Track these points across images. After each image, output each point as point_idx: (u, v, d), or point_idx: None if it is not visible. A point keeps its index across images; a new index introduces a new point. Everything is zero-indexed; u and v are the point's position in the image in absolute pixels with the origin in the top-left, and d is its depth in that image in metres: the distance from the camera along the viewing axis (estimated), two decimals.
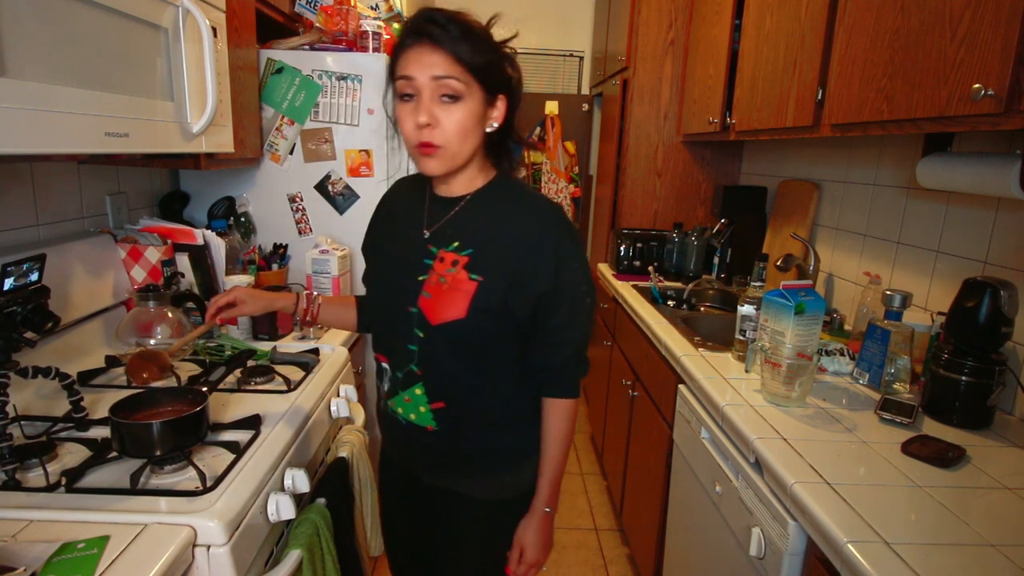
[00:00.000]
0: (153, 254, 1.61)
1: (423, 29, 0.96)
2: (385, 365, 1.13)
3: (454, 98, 0.97)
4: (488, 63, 0.98)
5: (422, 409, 1.09)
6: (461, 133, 0.98)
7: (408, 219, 1.14)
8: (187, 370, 1.42)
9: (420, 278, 1.05)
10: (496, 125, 1.05)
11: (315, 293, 1.27)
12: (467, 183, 1.08)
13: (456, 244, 1.05)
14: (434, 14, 0.96)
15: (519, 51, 1.06)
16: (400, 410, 1.12)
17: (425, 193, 1.13)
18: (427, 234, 1.08)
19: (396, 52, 1.01)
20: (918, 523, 0.96)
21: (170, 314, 1.40)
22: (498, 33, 1.02)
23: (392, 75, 1.02)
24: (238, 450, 1.08)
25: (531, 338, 1.08)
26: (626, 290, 2.47)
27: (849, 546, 0.89)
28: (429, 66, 0.95)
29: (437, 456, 1.13)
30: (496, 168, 1.11)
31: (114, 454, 1.02)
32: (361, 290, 2.08)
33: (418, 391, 1.08)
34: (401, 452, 1.20)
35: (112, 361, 1.42)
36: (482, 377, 1.08)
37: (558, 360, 1.09)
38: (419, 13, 0.98)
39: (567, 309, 1.06)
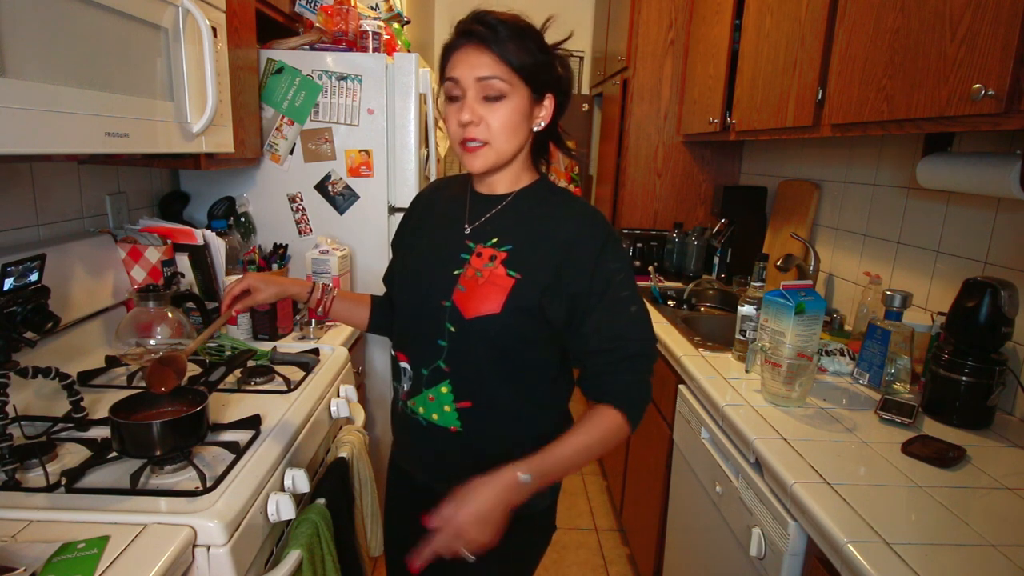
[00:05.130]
0: (153, 254, 1.61)
1: (471, 30, 0.97)
2: (405, 364, 1.09)
3: (497, 96, 0.97)
4: (535, 63, 0.98)
5: (447, 408, 1.05)
6: (507, 131, 0.99)
7: (448, 215, 1.12)
8: (187, 370, 1.42)
9: (455, 272, 1.03)
10: (544, 124, 1.05)
11: (331, 285, 1.24)
12: (511, 182, 1.08)
13: (495, 240, 1.04)
14: (485, 15, 0.97)
15: None
16: (422, 410, 1.08)
17: (467, 191, 1.13)
18: (468, 230, 1.07)
19: (445, 53, 1.01)
20: (918, 523, 0.96)
21: (170, 314, 1.40)
22: (553, 35, 1.03)
23: (442, 77, 1.03)
24: (238, 450, 1.08)
25: (585, 349, 1.02)
26: None
27: (849, 546, 0.89)
28: (473, 67, 0.96)
29: (456, 461, 1.08)
30: (538, 171, 1.11)
31: (114, 454, 1.01)
32: (362, 289, 2.09)
33: (444, 389, 1.05)
34: (416, 459, 1.15)
35: (112, 361, 1.42)
36: (512, 378, 1.04)
37: (611, 361, 1.01)
38: (470, 14, 0.99)
39: (609, 312, 1.00)
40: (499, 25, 0.96)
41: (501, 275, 1.00)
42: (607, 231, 1.03)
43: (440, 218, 1.14)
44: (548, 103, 1.04)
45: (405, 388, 1.11)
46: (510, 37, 0.96)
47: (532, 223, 1.04)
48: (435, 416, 1.07)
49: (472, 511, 0.89)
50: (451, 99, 1.00)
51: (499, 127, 0.98)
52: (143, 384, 1.34)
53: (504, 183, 1.08)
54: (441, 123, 2.65)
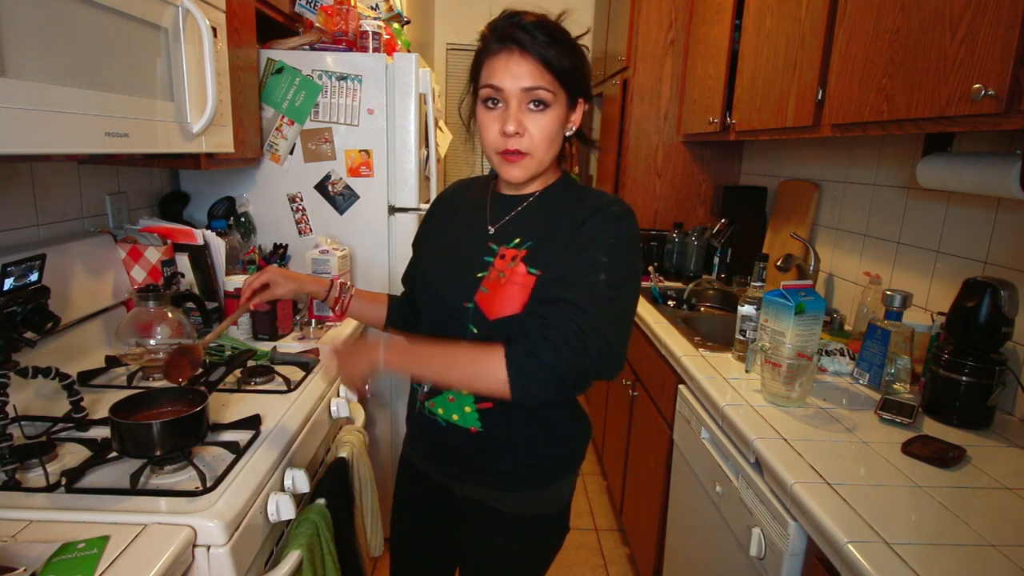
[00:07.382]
0: (153, 254, 1.61)
1: (511, 35, 0.95)
2: None
3: (541, 105, 0.96)
4: (572, 68, 0.98)
5: (467, 409, 1.05)
6: (548, 140, 0.99)
7: (470, 217, 1.12)
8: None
9: (479, 275, 1.03)
10: (575, 128, 1.05)
11: (349, 283, 1.24)
12: (538, 182, 1.08)
13: (517, 240, 1.04)
14: (519, 19, 0.95)
15: None
16: (441, 411, 1.08)
17: (488, 192, 1.13)
18: (491, 230, 1.07)
19: (481, 57, 1.00)
20: (918, 523, 0.96)
21: (170, 314, 1.40)
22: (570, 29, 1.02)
23: (475, 80, 1.01)
24: (238, 450, 1.08)
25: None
26: None
27: (849, 546, 0.89)
28: (519, 76, 0.95)
29: (474, 463, 1.09)
30: (560, 169, 1.12)
31: (114, 454, 1.01)
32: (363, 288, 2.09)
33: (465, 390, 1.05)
34: (433, 459, 1.15)
35: (112, 361, 1.42)
36: None
37: (541, 325, 0.91)
38: (504, 17, 0.97)
39: (574, 268, 0.94)
40: (536, 30, 0.94)
41: (522, 273, 1.00)
42: (620, 212, 1.01)
43: (463, 220, 1.14)
44: (580, 108, 1.04)
45: (425, 389, 1.11)
46: (550, 43, 0.94)
47: (551, 218, 1.04)
48: (455, 417, 1.07)
49: (343, 348, 1.02)
50: (487, 104, 0.99)
51: (541, 137, 0.98)
52: (143, 384, 1.34)
53: (533, 184, 1.08)
54: (441, 123, 2.64)
